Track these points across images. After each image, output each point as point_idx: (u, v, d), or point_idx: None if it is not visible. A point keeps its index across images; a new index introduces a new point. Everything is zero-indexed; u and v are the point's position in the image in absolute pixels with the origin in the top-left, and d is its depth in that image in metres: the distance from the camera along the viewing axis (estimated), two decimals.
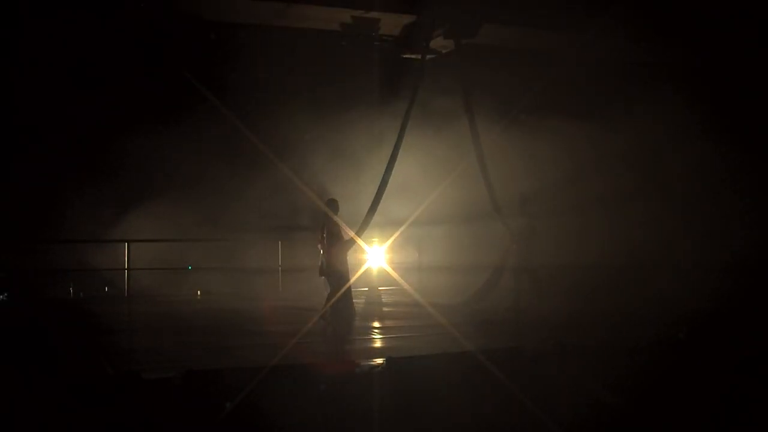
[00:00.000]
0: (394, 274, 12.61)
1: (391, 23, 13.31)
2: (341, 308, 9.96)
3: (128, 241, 13.50)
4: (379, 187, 11.57)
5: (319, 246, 10.25)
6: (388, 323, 11.21)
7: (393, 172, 11.77)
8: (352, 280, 11.25)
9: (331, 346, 9.28)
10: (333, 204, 10.23)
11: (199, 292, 14.56)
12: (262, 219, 14.34)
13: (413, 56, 13.80)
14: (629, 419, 5.96)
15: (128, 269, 13.58)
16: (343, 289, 9.98)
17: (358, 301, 12.58)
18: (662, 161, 13.79)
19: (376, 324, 11.06)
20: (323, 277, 10.23)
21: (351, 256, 12.83)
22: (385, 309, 12.52)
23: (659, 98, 12.98)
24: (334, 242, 10.13)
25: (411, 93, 12.00)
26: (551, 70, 13.10)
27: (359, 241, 11.26)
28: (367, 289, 12.61)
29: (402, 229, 12.08)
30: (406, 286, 12.61)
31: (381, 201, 11.54)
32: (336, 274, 10.08)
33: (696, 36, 12.95)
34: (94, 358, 7.96)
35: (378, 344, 9.52)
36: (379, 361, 7.55)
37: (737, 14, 12.76)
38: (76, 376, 7.01)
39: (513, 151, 13.23)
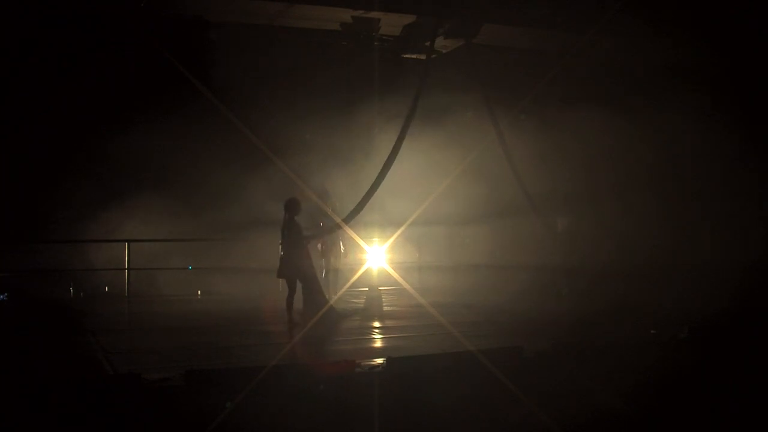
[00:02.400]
0: (395, 274, 12.61)
1: (392, 23, 13.30)
2: (317, 306, 9.82)
3: (128, 241, 13.49)
4: (373, 184, 11.42)
5: (280, 247, 10.01)
6: (391, 323, 11.19)
7: (391, 171, 11.73)
8: (354, 277, 11.24)
9: (316, 345, 9.15)
10: (293, 204, 9.99)
11: (199, 292, 14.54)
12: (262, 219, 14.32)
13: (414, 56, 13.79)
14: (630, 419, 5.96)
15: (128, 269, 13.58)
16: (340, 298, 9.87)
17: (358, 301, 12.60)
18: (679, 160, 13.70)
19: (377, 324, 11.06)
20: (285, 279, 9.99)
21: (352, 257, 12.88)
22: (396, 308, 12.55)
23: (668, 97, 12.95)
24: (295, 243, 9.90)
25: (415, 93, 11.92)
26: (558, 69, 13.07)
27: (347, 229, 11.13)
28: (367, 288, 12.57)
29: (403, 228, 12.07)
30: (406, 285, 12.61)
31: (371, 199, 11.40)
32: (299, 274, 9.88)
33: (715, 34, 12.78)
34: (94, 358, 7.96)
35: (378, 344, 9.52)
36: (379, 360, 7.55)
37: (751, 11, 12.61)
38: (76, 376, 7.00)
39: (518, 150, 13.25)
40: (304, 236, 10.19)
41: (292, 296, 9.94)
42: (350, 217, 11.24)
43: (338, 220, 10.95)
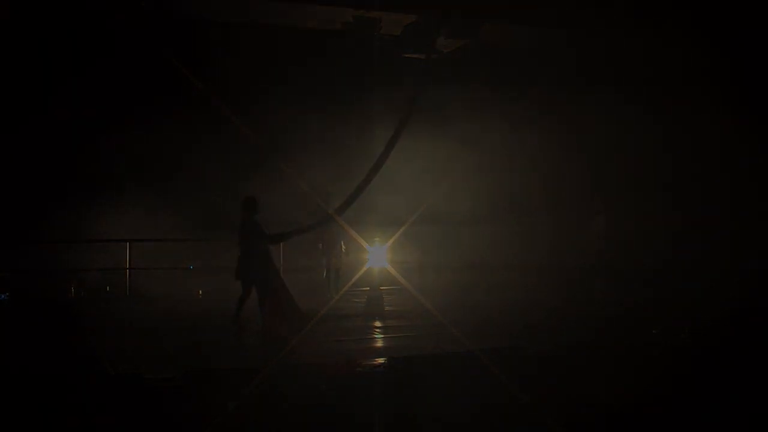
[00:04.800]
0: (396, 274, 12.58)
1: (393, 23, 13.30)
2: (279, 312, 9.58)
3: (129, 241, 13.49)
4: (366, 176, 11.33)
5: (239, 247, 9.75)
6: (392, 323, 11.18)
7: (394, 170, 11.74)
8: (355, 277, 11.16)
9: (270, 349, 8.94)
10: (251, 203, 9.75)
11: (200, 292, 14.54)
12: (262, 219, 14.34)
13: (416, 56, 13.78)
14: (630, 420, 5.94)
15: (129, 269, 13.58)
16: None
17: (359, 301, 12.57)
18: (694, 160, 13.63)
19: (378, 323, 11.04)
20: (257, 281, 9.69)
21: (353, 256, 12.86)
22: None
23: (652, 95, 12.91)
24: (253, 243, 9.65)
25: (414, 93, 11.88)
26: (555, 67, 13.05)
27: (339, 221, 11.08)
28: (368, 288, 12.56)
29: (404, 227, 12.06)
30: (408, 285, 12.57)
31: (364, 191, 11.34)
32: (257, 277, 9.63)
33: (720, 33, 12.66)
34: (94, 358, 7.95)
35: (379, 344, 9.50)
36: (380, 360, 7.54)
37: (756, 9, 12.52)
38: (76, 376, 7.00)
39: (519, 150, 13.26)
40: (282, 234, 9.99)
41: (245, 299, 9.68)
42: (342, 209, 11.18)
43: (330, 211, 10.88)
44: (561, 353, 8.07)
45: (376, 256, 12.26)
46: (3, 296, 12.25)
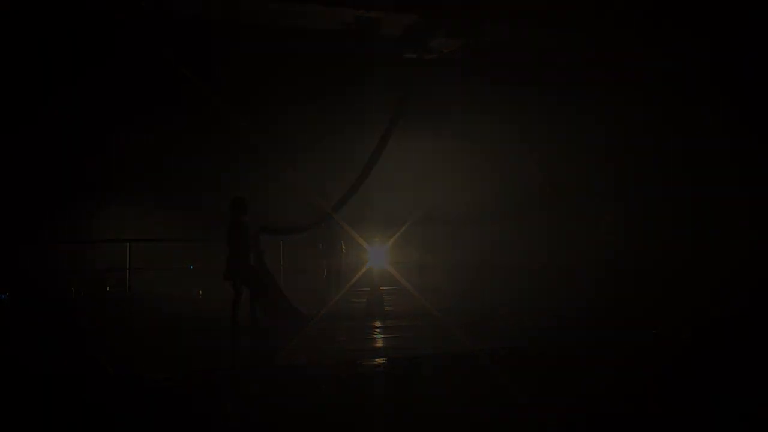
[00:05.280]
0: (396, 274, 12.59)
1: (393, 23, 13.30)
2: (279, 308, 9.63)
3: (129, 241, 13.49)
4: (359, 176, 11.31)
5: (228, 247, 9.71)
6: (392, 323, 11.19)
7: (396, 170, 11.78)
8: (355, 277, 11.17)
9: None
10: (240, 203, 9.74)
11: (200, 292, 14.54)
12: (263, 219, 14.33)
13: (416, 56, 13.79)
14: (630, 420, 5.94)
15: (129, 269, 13.58)
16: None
17: (359, 301, 12.57)
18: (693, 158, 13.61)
19: (378, 324, 11.05)
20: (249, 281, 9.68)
21: (353, 257, 12.85)
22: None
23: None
24: (242, 243, 9.63)
25: (405, 91, 11.91)
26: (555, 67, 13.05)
27: (338, 219, 11.09)
28: (368, 288, 12.56)
29: (405, 227, 12.06)
30: (408, 285, 12.57)
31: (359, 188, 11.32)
32: (247, 277, 9.63)
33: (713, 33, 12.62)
34: (94, 358, 7.96)
35: (379, 344, 9.50)
36: (380, 360, 7.54)
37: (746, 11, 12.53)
38: (76, 376, 7.00)
39: (519, 150, 13.26)
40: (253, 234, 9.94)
41: (238, 300, 9.64)
42: (337, 208, 11.18)
43: (328, 210, 10.90)
44: (561, 353, 8.06)
45: (377, 257, 12.26)
46: (3, 296, 12.26)
